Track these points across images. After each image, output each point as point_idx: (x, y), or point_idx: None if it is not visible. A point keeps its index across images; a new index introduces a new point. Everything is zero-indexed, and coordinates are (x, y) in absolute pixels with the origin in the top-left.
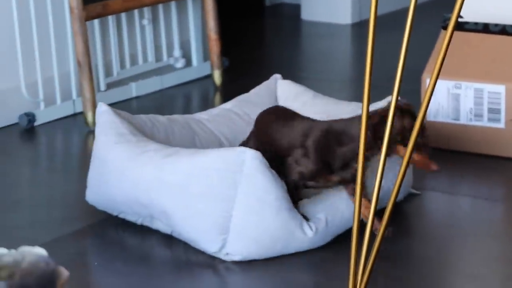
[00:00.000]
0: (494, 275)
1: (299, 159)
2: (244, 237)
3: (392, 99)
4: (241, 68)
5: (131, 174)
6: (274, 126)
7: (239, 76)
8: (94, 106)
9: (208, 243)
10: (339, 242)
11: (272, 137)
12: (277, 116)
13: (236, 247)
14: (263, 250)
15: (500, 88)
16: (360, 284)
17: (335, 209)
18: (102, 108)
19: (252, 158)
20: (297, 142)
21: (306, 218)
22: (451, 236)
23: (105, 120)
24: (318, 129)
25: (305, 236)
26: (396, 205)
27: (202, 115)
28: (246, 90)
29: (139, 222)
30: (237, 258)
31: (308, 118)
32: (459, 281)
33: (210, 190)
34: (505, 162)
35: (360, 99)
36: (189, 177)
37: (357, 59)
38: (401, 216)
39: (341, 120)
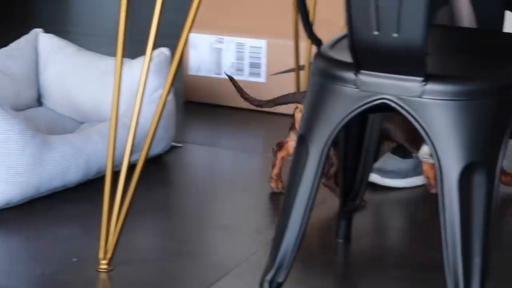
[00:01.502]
0: (245, 226)
1: None
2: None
3: (147, 53)
4: (6, 22)
5: None
6: None
7: (3, 30)
8: None
9: None
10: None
11: None
12: None
13: None
14: (19, 189)
15: (261, 43)
16: (114, 234)
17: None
18: None
19: None
20: None
21: None
22: (209, 188)
23: None
24: None
25: (61, 164)
26: (157, 157)
27: None
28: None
29: None
30: None
31: None
32: (211, 231)
33: None
34: (265, 116)
35: (127, 54)
36: None
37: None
38: (162, 168)
39: None
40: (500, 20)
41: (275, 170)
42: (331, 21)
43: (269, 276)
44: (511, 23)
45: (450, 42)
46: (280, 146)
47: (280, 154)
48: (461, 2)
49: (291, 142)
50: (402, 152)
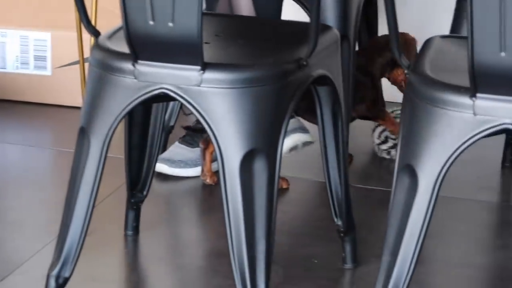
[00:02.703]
0: (34, 221)
1: None
2: None
3: None
4: None
5: None
6: None
7: None
8: None
9: None
10: None
11: None
12: None
13: None
14: None
15: (46, 36)
16: None
17: None
18: None
19: None
20: None
21: None
22: None
23: None
24: None
25: None
26: None
27: None
28: None
29: None
30: None
31: None
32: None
33: None
34: (52, 109)
35: None
36: None
37: None
38: None
39: None
40: (278, 8)
41: (207, 166)
42: (113, 11)
43: (55, 271)
44: (292, 12)
45: (229, 30)
46: (206, 142)
47: (209, 150)
48: None
49: None
50: (190, 141)
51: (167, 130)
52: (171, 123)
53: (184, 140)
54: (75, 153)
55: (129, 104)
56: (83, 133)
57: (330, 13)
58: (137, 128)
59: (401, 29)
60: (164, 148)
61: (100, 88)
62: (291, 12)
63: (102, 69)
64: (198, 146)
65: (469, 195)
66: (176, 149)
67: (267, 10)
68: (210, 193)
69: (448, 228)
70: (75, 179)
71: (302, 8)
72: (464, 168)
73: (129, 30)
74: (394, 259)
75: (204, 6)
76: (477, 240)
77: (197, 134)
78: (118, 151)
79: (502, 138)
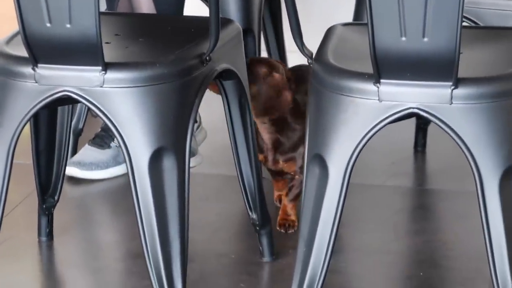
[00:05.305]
0: None
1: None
2: None
3: None
4: None
5: None
6: None
7: None
8: None
9: None
10: None
11: None
12: None
13: None
14: None
15: None
16: None
17: None
18: None
19: None
20: None
21: None
22: None
23: None
24: None
25: None
26: None
27: None
28: None
29: None
30: None
31: None
32: None
33: None
34: None
35: None
36: None
37: None
38: None
39: None
40: (180, 4)
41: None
42: (13, 17)
43: None
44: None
45: (129, 29)
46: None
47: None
48: None
49: None
50: (101, 143)
51: (77, 133)
52: (80, 126)
53: (94, 143)
54: None
55: (31, 109)
56: None
57: (232, 7)
58: (44, 132)
59: (306, 18)
60: (74, 152)
61: (1, 94)
62: (196, 8)
63: (2, 75)
64: (108, 147)
65: (382, 181)
66: (87, 152)
67: (168, 7)
68: (123, 195)
69: (364, 215)
70: None
71: (204, 2)
72: (376, 154)
73: (26, 33)
74: (310, 250)
75: (104, 6)
76: (393, 226)
77: (107, 136)
78: (27, 157)
79: (413, 123)
